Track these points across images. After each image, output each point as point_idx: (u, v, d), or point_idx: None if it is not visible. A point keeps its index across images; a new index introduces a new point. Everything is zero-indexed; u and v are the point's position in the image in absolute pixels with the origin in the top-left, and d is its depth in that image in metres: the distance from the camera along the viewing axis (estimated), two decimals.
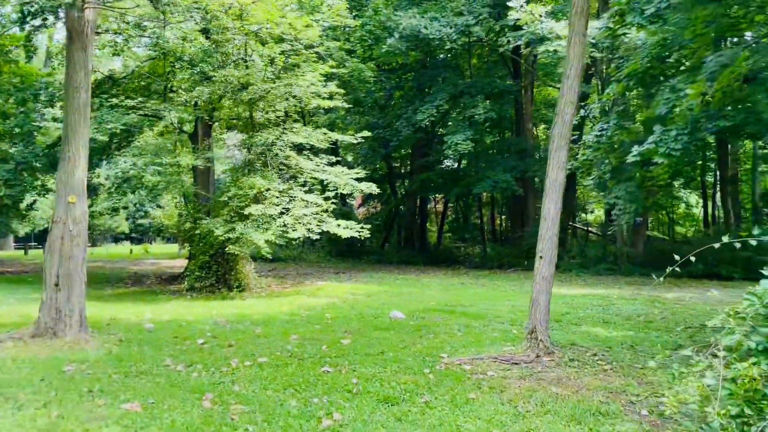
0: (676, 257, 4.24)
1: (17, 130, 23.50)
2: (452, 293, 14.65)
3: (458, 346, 7.23)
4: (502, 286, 17.05)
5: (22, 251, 39.12)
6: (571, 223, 27.55)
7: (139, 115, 15.11)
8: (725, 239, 4.13)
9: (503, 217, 37.59)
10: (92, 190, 29.00)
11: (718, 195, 31.17)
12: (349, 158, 31.53)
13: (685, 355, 4.23)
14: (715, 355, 3.78)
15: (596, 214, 37.70)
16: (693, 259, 4.16)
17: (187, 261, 21.28)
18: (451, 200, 34.00)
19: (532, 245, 23.36)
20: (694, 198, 34.44)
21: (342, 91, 14.51)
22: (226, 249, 13.37)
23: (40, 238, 45.62)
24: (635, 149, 6.85)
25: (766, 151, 24.88)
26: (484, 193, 31.07)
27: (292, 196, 14.10)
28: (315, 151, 16.30)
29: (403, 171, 34.26)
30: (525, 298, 13.79)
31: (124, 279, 19.84)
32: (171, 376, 5.98)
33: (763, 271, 3.66)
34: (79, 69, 8.30)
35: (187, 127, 19.95)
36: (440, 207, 36.83)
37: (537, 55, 23.52)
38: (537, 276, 6.61)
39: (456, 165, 30.97)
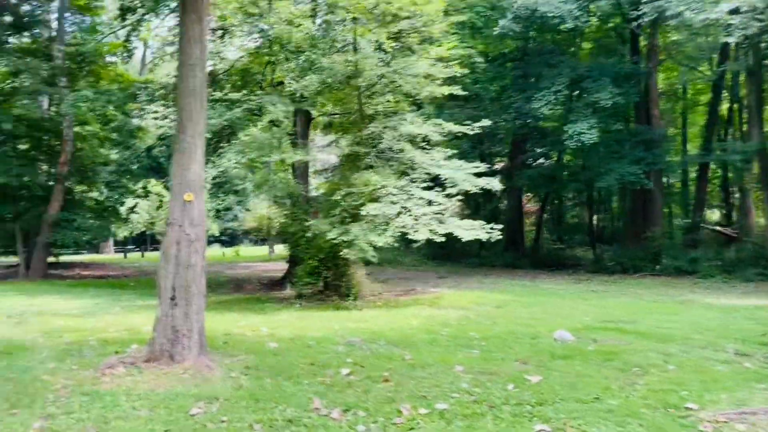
0: None
1: (114, 135, 23.53)
2: (594, 304, 12.57)
3: (694, 390, 5.32)
4: (644, 294, 14.75)
5: (122, 255, 40.08)
6: (702, 224, 24.59)
7: (243, 110, 14.04)
8: None
9: (600, 216, 34.63)
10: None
11: None
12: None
13: None
14: None
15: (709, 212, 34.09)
16: None
17: (287, 265, 20.28)
18: (549, 199, 31.65)
19: (664, 247, 20.72)
20: None
21: (466, 71, 12.80)
22: (341, 253, 11.98)
23: (137, 241, 46.82)
24: None
25: None
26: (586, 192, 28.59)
27: (409, 194, 12.54)
28: (422, 144, 14.71)
29: (497, 168, 32.15)
30: (692, 312, 11.52)
31: (224, 284, 19.05)
32: (330, 428, 4.48)
33: None
34: (194, 44, 7.03)
35: (284, 123, 18.95)
36: (530, 206, 34.47)
37: (657, 33, 20.99)
38: None
39: (555, 161, 28.58)
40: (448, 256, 27.95)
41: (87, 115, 23.19)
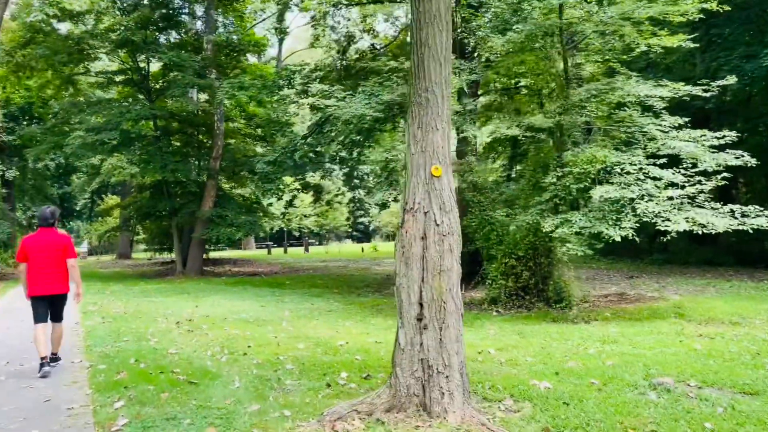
0: None
1: (261, 131, 22.65)
2: None
3: None
4: None
5: (264, 250, 40.22)
6: None
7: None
8: None
9: None
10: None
11: None
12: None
13: None
14: None
15: None
16: None
17: None
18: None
19: None
20: None
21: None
22: (562, 249, 9.45)
23: (275, 237, 47.13)
24: None
25: None
26: None
27: (646, 173, 9.70)
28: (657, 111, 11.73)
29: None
30: None
31: (383, 283, 17.21)
32: None
33: None
34: None
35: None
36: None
37: None
38: None
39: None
40: (612, 251, 24.35)
41: (233, 111, 22.58)
